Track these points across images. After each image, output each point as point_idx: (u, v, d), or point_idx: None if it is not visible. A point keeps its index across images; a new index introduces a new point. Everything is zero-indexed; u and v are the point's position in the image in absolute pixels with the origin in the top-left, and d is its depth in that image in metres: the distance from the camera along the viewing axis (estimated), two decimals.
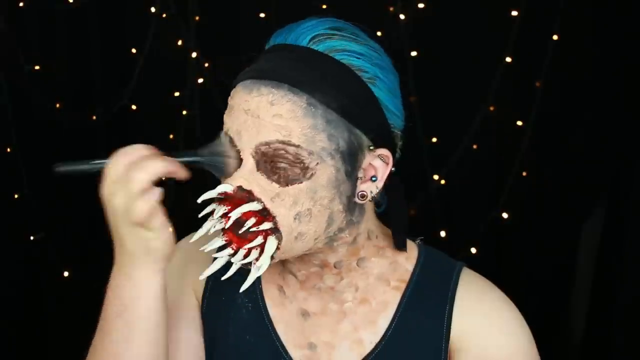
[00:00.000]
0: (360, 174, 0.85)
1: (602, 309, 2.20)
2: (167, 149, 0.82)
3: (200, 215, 0.84)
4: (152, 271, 0.81)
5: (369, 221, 0.91)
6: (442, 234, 2.23)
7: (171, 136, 2.30)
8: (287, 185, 0.80)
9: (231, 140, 0.82)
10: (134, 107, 2.38)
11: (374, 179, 0.86)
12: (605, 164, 2.17)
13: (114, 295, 0.82)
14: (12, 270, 2.41)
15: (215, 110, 2.23)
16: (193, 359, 0.96)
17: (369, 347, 0.92)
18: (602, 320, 2.20)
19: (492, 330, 0.91)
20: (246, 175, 0.81)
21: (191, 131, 2.28)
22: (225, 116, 0.84)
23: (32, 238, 2.42)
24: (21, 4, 2.32)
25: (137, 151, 0.78)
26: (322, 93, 0.79)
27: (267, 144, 0.79)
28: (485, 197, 2.28)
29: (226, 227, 0.82)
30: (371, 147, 0.84)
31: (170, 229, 0.80)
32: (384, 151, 0.85)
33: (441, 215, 2.25)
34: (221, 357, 0.96)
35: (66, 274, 2.46)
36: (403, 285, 0.94)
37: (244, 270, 0.84)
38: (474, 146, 2.20)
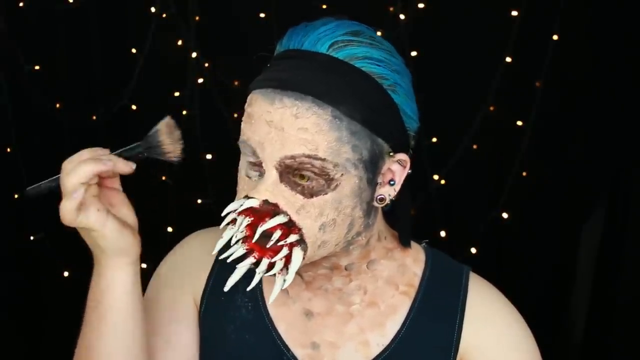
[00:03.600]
0: (379, 179, 0.85)
1: (602, 309, 2.20)
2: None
3: (221, 226, 0.84)
4: (116, 266, 0.82)
5: (380, 222, 0.92)
6: (442, 234, 2.23)
7: None
8: (312, 197, 0.80)
9: (253, 151, 0.82)
10: (134, 107, 2.38)
11: (392, 182, 0.86)
12: (606, 164, 2.17)
13: (90, 291, 0.85)
14: (12, 270, 2.41)
15: (215, 110, 2.25)
16: (182, 357, 0.96)
17: (375, 349, 0.92)
18: (602, 320, 2.20)
19: (501, 343, 0.92)
20: (270, 188, 0.80)
21: (191, 131, 2.28)
22: (243, 124, 0.83)
23: (32, 238, 2.42)
24: (21, 4, 2.32)
25: (77, 157, 0.79)
26: (346, 105, 0.78)
27: (293, 157, 0.78)
28: (485, 197, 2.28)
29: (254, 241, 0.81)
30: (391, 154, 0.84)
31: (115, 225, 0.80)
32: (402, 156, 0.85)
33: (441, 215, 2.25)
34: (220, 356, 0.96)
35: (66, 274, 2.46)
36: (412, 290, 0.94)
37: (252, 272, 0.83)
38: (474, 146, 2.20)
